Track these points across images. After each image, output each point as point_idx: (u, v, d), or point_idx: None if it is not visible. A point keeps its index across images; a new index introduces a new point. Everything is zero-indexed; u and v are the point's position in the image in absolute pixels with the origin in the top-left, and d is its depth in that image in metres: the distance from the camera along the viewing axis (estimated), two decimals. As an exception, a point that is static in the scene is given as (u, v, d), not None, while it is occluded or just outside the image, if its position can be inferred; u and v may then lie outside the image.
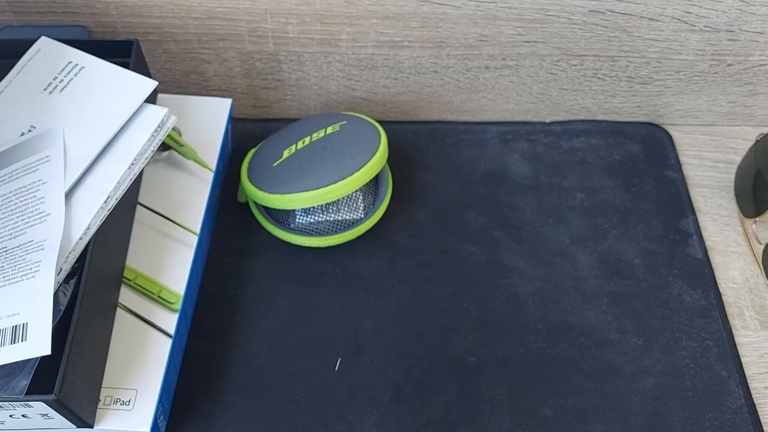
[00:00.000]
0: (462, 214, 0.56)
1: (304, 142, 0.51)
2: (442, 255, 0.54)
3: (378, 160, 0.50)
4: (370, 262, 0.53)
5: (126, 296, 0.44)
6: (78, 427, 0.39)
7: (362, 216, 0.51)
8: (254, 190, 0.50)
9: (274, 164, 0.51)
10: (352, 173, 0.48)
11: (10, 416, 0.37)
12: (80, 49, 0.47)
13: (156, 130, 0.44)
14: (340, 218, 0.51)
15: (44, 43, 0.48)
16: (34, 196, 0.40)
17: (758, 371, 0.49)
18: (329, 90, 0.60)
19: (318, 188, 0.48)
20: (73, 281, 0.40)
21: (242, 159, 0.57)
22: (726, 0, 0.53)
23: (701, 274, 0.53)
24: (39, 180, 0.41)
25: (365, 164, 0.49)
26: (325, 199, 0.48)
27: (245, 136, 0.59)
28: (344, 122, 0.52)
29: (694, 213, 0.57)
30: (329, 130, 0.51)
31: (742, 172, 0.58)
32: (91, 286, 0.39)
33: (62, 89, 0.45)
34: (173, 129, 0.51)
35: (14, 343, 0.35)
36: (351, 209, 0.51)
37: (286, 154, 0.51)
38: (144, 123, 0.44)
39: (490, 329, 0.50)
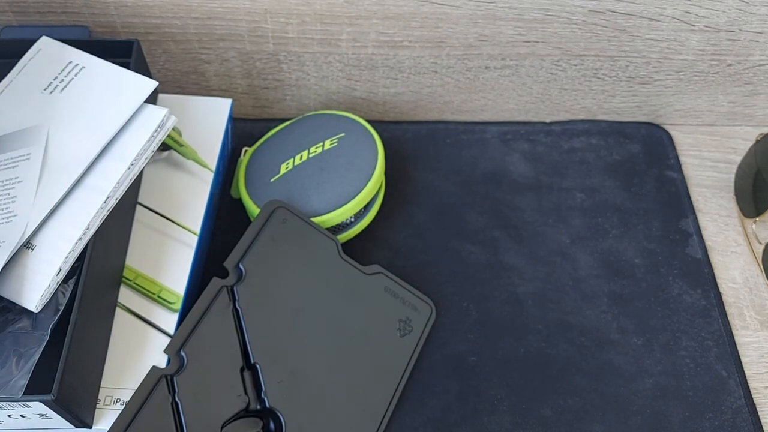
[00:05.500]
0: (462, 214, 0.56)
1: (301, 158, 0.51)
2: (442, 255, 0.54)
3: (373, 185, 0.50)
4: (369, 262, 0.53)
5: (126, 296, 0.44)
6: (76, 427, 0.39)
7: (352, 220, 0.51)
8: (253, 207, 0.50)
9: (272, 180, 0.51)
10: (347, 201, 0.49)
11: (9, 416, 0.37)
12: (81, 49, 0.47)
13: (156, 130, 0.44)
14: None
15: (45, 42, 0.48)
16: (8, 194, 0.40)
17: (758, 371, 0.49)
18: (329, 90, 0.60)
19: (313, 217, 0.49)
20: (72, 281, 0.40)
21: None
22: (726, 0, 0.53)
23: (701, 274, 0.53)
24: (16, 177, 0.41)
25: (360, 191, 0.50)
26: (322, 226, 0.49)
27: (245, 136, 0.59)
28: (342, 135, 0.52)
29: (694, 213, 0.57)
30: (327, 144, 0.52)
31: (742, 172, 0.58)
32: (90, 286, 0.39)
33: (63, 89, 0.45)
34: (173, 129, 0.51)
35: None
36: None
37: (283, 169, 0.51)
38: (144, 123, 0.44)
39: (490, 329, 0.50)
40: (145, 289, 0.45)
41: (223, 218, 0.54)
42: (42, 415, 0.37)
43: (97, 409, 0.40)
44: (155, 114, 0.44)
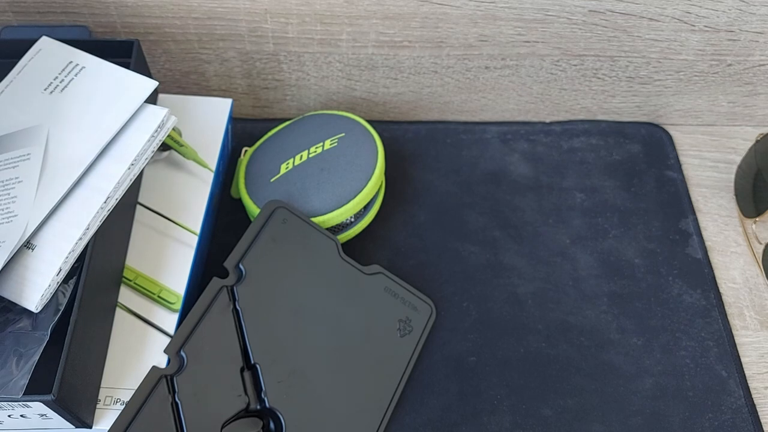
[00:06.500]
0: (462, 214, 0.56)
1: (301, 158, 0.51)
2: (442, 255, 0.54)
3: (373, 185, 0.50)
4: (369, 262, 0.53)
5: (126, 296, 0.44)
6: (76, 427, 0.39)
7: (352, 220, 0.51)
8: (253, 207, 0.50)
9: (272, 180, 0.51)
10: (347, 201, 0.49)
11: (9, 416, 0.37)
12: (81, 49, 0.47)
13: (156, 131, 0.44)
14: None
15: (45, 42, 0.48)
16: (8, 194, 0.40)
17: (758, 371, 0.49)
18: (329, 90, 0.60)
19: (313, 217, 0.49)
20: (72, 281, 0.40)
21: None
22: (726, 0, 0.53)
23: (701, 274, 0.53)
24: (16, 177, 0.41)
25: (360, 191, 0.50)
26: (322, 226, 0.49)
27: (245, 136, 0.59)
28: (342, 135, 0.52)
29: (694, 213, 0.57)
30: (327, 144, 0.52)
31: (742, 172, 0.58)
32: (90, 286, 0.39)
33: (63, 89, 0.45)
34: (173, 129, 0.51)
35: None
36: None
37: (283, 169, 0.51)
38: (144, 123, 0.44)
39: (490, 329, 0.50)
40: (145, 289, 0.45)
41: (223, 218, 0.54)
42: (42, 415, 0.37)
43: (97, 409, 0.40)
44: (155, 114, 0.44)
